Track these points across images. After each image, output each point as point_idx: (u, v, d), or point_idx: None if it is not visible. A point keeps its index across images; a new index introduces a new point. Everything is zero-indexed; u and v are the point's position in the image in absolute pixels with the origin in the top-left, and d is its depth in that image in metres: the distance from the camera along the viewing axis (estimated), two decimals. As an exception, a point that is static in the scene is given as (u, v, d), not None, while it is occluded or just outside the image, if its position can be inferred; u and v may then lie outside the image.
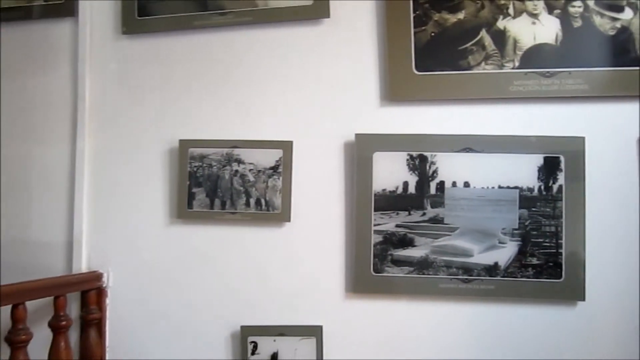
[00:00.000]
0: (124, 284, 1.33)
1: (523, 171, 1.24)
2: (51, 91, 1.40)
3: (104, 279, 1.32)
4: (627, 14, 1.24)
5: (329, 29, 1.31)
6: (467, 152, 1.25)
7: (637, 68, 1.23)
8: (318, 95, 1.31)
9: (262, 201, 1.29)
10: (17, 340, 1.05)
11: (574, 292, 1.22)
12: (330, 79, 1.31)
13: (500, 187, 1.25)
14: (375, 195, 1.27)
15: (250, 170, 1.29)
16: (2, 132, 1.39)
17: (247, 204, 1.29)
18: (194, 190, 1.31)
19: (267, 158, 1.29)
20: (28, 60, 1.41)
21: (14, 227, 1.37)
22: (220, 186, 1.30)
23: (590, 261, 1.19)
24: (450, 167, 1.26)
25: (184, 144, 1.31)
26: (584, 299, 1.21)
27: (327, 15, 1.30)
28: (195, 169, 1.31)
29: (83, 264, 1.33)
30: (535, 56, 1.26)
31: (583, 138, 1.24)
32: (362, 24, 1.31)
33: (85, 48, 1.37)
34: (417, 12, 1.29)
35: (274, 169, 1.28)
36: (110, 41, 1.38)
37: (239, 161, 1.30)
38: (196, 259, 1.31)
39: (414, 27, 1.29)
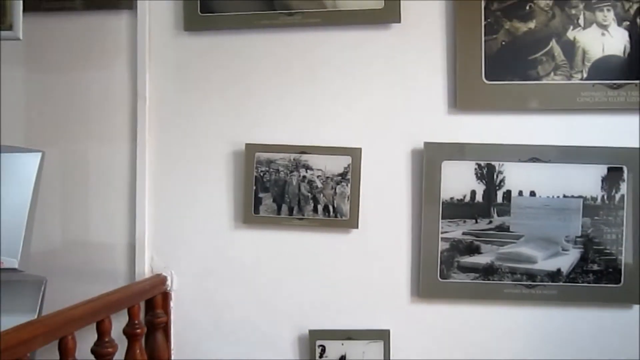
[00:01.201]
0: (188, 286, 1.34)
1: (587, 181, 1.28)
2: (108, 88, 1.37)
3: (168, 282, 1.32)
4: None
5: (398, 34, 1.31)
6: (534, 161, 1.29)
7: None
8: (386, 101, 1.32)
9: (330, 208, 1.30)
10: (104, 353, 1.06)
11: (632, 296, 1.28)
12: (399, 85, 1.32)
13: (565, 196, 1.29)
14: (443, 203, 1.30)
15: (318, 176, 1.30)
16: (57, 130, 1.35)
17: (315, 210, 1.31)
18: (261, 195, 1.32)
19: (336, 164, 1.30)
20: (81, 54, 1.37)
21: (74, 229, 1.36)
22: (287, 192, 1.31)
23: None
24: (517, 177, 1.29)
25: (251, 148, 1.31)
26: (639, 303, 1.28)
27: (398, 20, 1.29)
28: (262, 174, 1.31)
29: (146, 267, 1.33)
30: (604, 68, 1.29)
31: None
32: (432, 30, 1.31)
33: (145, 44, 1.34)
34: (489, 20, 1.29)
35: (343, 175, 1.29)
36: (170, 37, 1.36)
37: (307, 167, 1.30)
38: (263, 263, 1.33)
39: (485, 35, 1.29)
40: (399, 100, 1.32)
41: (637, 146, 1.28)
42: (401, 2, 1.29)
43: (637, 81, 1.28)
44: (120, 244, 1.36)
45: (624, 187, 1.29)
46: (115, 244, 1.36)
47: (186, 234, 1.35)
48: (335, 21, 1.32)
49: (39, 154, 1.10)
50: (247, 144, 1.32)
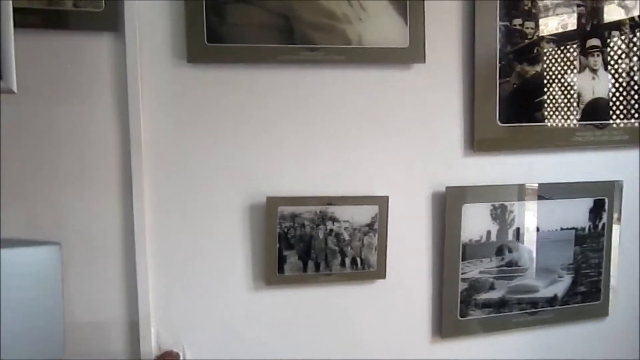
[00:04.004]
0: (201, 360, 1.20)
1: (578, 213, 1.44)
2: (90, 127, 1.13)
3: (180, 358, 1.17)
4: (659, 73, 1.46)
5: (420, 74, 1.30)
6: (539, 199, 1.39)
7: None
8: (408, 145, 1.32)
9: (358, 260, 1.27)
10: None
11: (605, 309, 1.49)
12: (420, 127, 1.32)
13: (561, 228, 1.43)
14: (463, 245, 1.34)
15: (345, 228, 1.24)
16: (25, 181, 1.07)
17: (343, 263, 1.26)
18: (285, 253, 1.22)
19: (363, 215, 1.26)
20: (55, 81, 1.09)
21: (74, 307, 1.11)
22: (314, 247, 1.24)
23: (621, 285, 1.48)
24: (525, 215, 1.38)
25: (273, 202, 1.20)
26: (607, 315, 1.50)
27: (423, 60, 1.27)
28: (286, 230, 1.20)
29: (152, 344, 1.16)
30: (593, 109, 1.42)
31: (622, 181, 1.46)
32: (451, 72, 1.33)
33: (136, 75, 1.13)
34: (502, 63, 1.34)
35: (370, 225, 1.26)
36: (169, 68, 1.16)
37: (334, 219, 1.24)
38: (288, 325, 1.26)
39: (499, 78, 1.33)
40: (420, 143, 1.32)
41: (615, 179, 1.45)
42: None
43: (617, 121, 1.44)
44: (119, 321, 1.15)
45: (604, 217, 1.46)
46: (113, 322, 1.15)
47: (198, 302, 1.21)
48: (360, 59, 1.24)
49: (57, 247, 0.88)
50: (268, 198, 1.20)
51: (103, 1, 1.09)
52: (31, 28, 1.06)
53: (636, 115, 1.46)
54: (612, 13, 1.43)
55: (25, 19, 1.04)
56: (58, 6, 1.07)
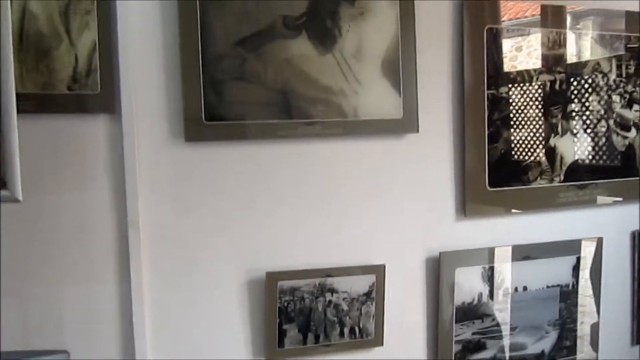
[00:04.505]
0: None
1: (563, 271, 1.49)
2: (86, 211, 1.11)
3: None
4: (632, 132, 1.54)
5: (413, 143, 1.33)
6: (526, 259, 1.44)
7: (638, 178, 1.55)
8: (403, 212, 1.36)
9: (356, 329, 1.28)
10: None
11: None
12: (414, 194, 1.36)
13: (547, 286, 1.48)
14: (456, 308, 1.36)
15: (344, 299, 1.25)
16: (23, 270, 1.04)
17: (342, 334, 1.27)
18: (285, 327, 1.22)
19: (361, 284, 1.27)
20: (49, 166, 1.06)
21: None
22: (313, 319, 1.25)
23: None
24: (513, 275, 1.43)
25: (272, 277, 1.20)
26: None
27: (416, 130, 1.30)
28: (285, 304, 1.21)
29: None
30: (575, 171, 1.49)
31: (602, 238, 1.52)
32: (442, 140, 1.37)
33: (134, 157, 1.11)
34: (491, 129, 1.38)
35: (368, 295, 1.28)
36: (166, 148, 1.15)
37: (333, 290, 1.25)
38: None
39: (488, 144, 1.38)
40: (414, 210, 1.35)
41: (598, 236, 1.52)
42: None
43: (597, 181, 1.50)
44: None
45: (587, 273, 1.52)
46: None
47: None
48: (357, 131, 1.27)
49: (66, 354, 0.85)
50: (268, 273, 1.20)
51: (99, 83, 1.07)
52: (25, 114, 1.03)
53: (614, 175, 1.54)
54: (590, 78, 1.51)
55: (19, 105, 1.01)
56: (52, 90, 1.04)
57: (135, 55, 1.10)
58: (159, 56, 1.13)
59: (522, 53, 1.45)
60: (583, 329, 1.55)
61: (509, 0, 1.39)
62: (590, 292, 1.55)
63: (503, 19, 1.40)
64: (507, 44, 1.40)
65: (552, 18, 1.46)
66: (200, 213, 1.17)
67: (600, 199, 1.53)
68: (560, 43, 1.47)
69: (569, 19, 1.49)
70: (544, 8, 1.45)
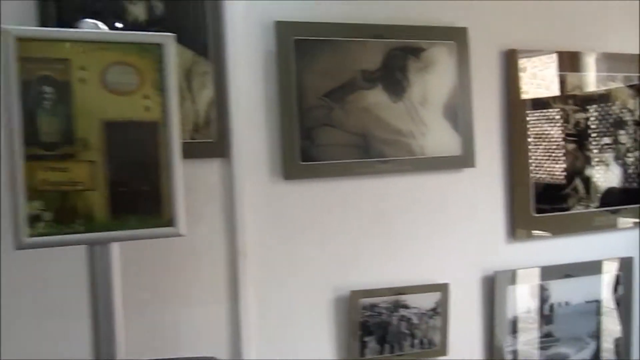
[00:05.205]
0: None
1: (599, 287, 1.68)
2: (202, 241, 1.31)
3: None
4: (657, 163, 1.74)
5: (470, 176, 1.52)
6: (568, 277, 1.63)
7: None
8: (462, 237, 1.54)
9: (425, 340, 1.46)
10: None
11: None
12: (471, 220, 1.55)
13: (586, 302, 1.67)
14: (509, 321, 1.55)
15: (414, 313, 1.44)
16: (142, 295, 1.23)
17: (412, 345, 1.45)
18: (366, 339, 1.41)
19: (428, 301, 1.46)
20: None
21: None
22: (389, 332, 1.42)
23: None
24: (557, 292, 1.62)
25: (356, 295, 1.39)
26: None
27: (473, 165, 1.51)
28: (366, 319, 1.39)
29: None
30: (608, 197, 1.68)
31: (632, 257, 1.72)
32: (493, 172, 1.56)
33: (242, 194, 1.31)
34: (534, 164, 1.58)
35: (434, 310, 1.46)
36: (267, 185, 1.37)
37: (405, 306, 1.43)
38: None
39: (533, 177, 1.57)
40: (471, 234, 1.55)
41: (629, 255, 1.71)
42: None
43: (626, 206, 1.70)
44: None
45: (620, 289, 1.71)
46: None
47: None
48: (423, 167, 1.47)
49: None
50: (352, 291, 1.40)
51: (216, 133, 1.28)
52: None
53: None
54: (618, 115, 1.72)
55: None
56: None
57: (244, 109, 1.31)
58: (262, 109, 1.35)
59: (559, 95, 1.66)
60: (618, 340, 1.73)
61: (547, 54, 1.62)
62: (624, 306, 1.74)
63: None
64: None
65: (581, 64, 1.68)
66: (296, 241, 1.38)
67: (631, 222, 1.73)
68: (591, 85, 1.68)
69: (597, 64, 1.70)
70: (575, 55, 1.67)
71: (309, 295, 1.39)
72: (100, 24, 1.02)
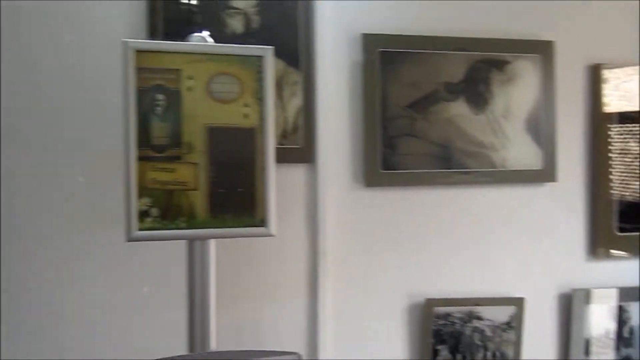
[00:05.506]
0: None
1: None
2: (285, 241, 1.37)
3: None
4: None
5: (551, 191, 1.51)
6: (650, 299, 1.58)
7: None
8: (539, 252, 1.53)
9: (497, 354, 1.46)
10: None
11: None
12: (549, 235, 1.53)
13: (669, 326, 1.60)
14: (585, 341, 1.52)
15: (488, 325, 1.44)
16: (229, 290, 1.30)
17: (485, 357, 1.46)
18: (438, 347, 1.43)
19: (503, 314, 1.46)
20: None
21: None
22: (461, 342, 1.43)
23: None
24: (635, 314, 1.57)
25: (430, 303, 1.41)
26: None
27: (555, 179, 1.49)
28: (439, 327, 1.41)
29: None
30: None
31: None
32: (576, 190, 1.53)
33: (325, 198, 1.37)
34: (618, 182, 1.54)
35: (508, 324, 1.46)
36: (349, 191, 1.42)
37: (479, 318, 1.44)
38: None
39: (615, 191, 1.54)
40: (550, 250, 1.54)
41: None
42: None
43: None
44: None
45: None
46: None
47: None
48: (504, 179, 1.47)
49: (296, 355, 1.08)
50: (427, 299, 1.41)
51: (303, 139, 1.34)
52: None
53: None
54: None
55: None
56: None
57: (329, 117, 1.37)
58: (346, 118, 1.40)
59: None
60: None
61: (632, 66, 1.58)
62: None
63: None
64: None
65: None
66: (375, 246, 1.42)
67: None
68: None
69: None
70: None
71: (384, 299, 1.43)
72: (208, 37, 1.10)
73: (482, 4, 1.48)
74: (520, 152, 1.49)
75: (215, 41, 1.13)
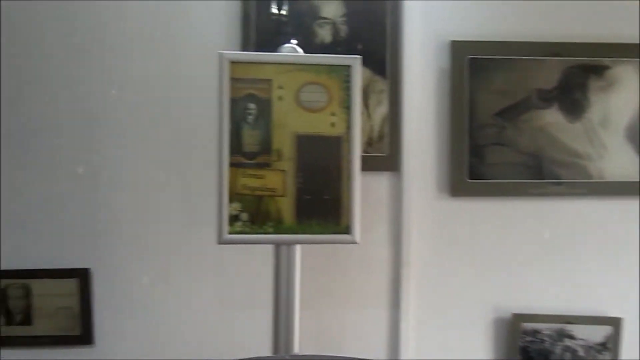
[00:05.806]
0: None
1: None
2: (369, 249, 1.37)
3: None
4: None
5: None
6: None
7: None
8: (637, 269, 1.41)
9: (591, 375, 1.37)
10: None
11: None
12: None
13: None
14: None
15: (581, 345, 1.36)
16: (312, 295, 1.32)
17: (577, 378, 1.37)
18: (526, 364, 1.36)
19: (597, 334, 1.38)
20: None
21: None
22: (551, 361, 1.37)
23: None
24: None
25: (518, 318, 1.36)
26: None
27: (655, 193, 1.38)
28: (527, 344, 1.35)
29: None
30: None
31: None
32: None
33: (410, 207, 1.36)
34: None
35: (603, 345, 1.37)
36: (434, 200, 1.40)
37: (571, 337, 1.36)
38: None
39: None
40: None
41: None
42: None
43: None
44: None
45: None
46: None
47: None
48: (600, 191, 1.39)
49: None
50: (514, 314, 1.36)
51: (388, 148, 1.35)
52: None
53: None
54: None
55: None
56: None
57: (415, 125, 1.37)
58: (433, 126, 1.39)
59: None
60: None
61: None
62: None
63: None
64: None
65: None
66: (459, 256, 1.40)
67: None
68: None
69: None
70: None
71: (468, 311, 1.40)
72: (298, 48, 1.14)
73: (576, 5, 1.41)
74: (619, 163, 1.40)
75: (304, 51, 1.17)
